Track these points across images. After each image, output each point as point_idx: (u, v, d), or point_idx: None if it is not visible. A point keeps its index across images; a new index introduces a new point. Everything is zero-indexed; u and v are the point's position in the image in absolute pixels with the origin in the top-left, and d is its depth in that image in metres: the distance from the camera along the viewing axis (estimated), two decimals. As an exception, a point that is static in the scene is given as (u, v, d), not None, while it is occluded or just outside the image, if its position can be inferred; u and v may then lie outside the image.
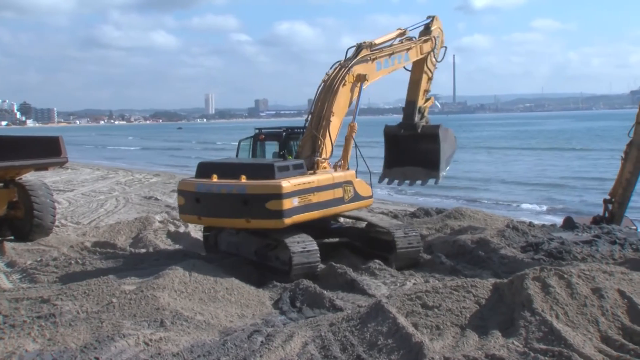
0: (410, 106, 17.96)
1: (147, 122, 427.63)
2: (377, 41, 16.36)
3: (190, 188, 14.14)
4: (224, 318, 10.81)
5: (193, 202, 14.02)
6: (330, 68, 15.48)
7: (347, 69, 15.17)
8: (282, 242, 13.52)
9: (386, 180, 18.55)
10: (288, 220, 13.29)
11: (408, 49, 16.95)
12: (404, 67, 17.51)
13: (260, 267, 14.18)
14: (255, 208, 13.19)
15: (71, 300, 11.58)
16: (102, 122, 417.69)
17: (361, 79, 15.39)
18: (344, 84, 15.06)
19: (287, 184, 13.25)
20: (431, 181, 18.01)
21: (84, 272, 13.95)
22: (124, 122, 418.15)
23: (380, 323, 9.02)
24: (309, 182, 13.71)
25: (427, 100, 18.21)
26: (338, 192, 14.36)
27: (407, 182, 18.36)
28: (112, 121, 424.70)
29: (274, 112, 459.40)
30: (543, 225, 18.81)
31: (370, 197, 15.44)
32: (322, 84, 15.26)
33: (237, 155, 16.39)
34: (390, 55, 16.38)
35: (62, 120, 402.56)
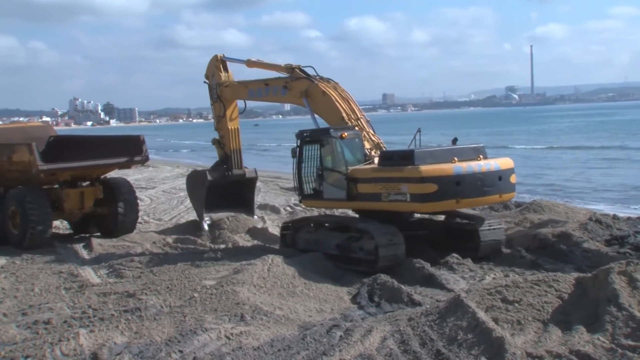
0: None
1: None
2: None
3: (445, 172, 13.58)
4: (302, 313, 10.91)
5: (452, 186, 13.60)
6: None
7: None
8: (367, 233, 13.89)
9: None
10: None
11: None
12: None
13: (341, 260, 14.33)
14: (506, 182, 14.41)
15: (155, 294, 11.96)
16: (180, 120, 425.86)
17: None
18: None
19: None
20: None
21: (167, 268, 14.32)
22: (202, 120, 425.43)
23: (459, 318, 8.93)
24: None
25: None
26: None
27: None
28: (191, 119, 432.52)
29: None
30: (629, 218, 18.14)
31: None
32: None
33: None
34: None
35: (143, 120, 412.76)
